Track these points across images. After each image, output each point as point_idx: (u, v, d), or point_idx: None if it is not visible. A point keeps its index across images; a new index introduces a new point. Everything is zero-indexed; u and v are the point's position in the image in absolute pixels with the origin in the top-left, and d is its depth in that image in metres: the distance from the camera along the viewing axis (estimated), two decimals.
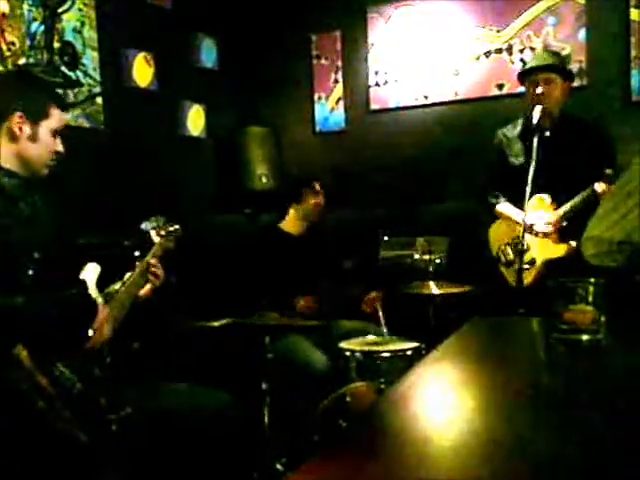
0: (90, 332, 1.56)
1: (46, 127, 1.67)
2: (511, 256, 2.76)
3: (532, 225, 2.62)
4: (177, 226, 2.00)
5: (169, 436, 1.66)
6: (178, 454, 1.65)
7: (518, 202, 2.59)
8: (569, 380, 1.25)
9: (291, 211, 3.04)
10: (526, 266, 2.55)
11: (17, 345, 1.40)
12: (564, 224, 2.61)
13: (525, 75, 2.77)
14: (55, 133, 1.70)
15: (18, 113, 1.61)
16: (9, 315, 1.43)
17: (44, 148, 1.67)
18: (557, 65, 2.73)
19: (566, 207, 2.60)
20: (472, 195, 3.08)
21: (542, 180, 2.47)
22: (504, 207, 2.82)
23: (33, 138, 1.64)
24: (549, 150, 2.54)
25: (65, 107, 1.82)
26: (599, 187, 2.47)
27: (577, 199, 2.56)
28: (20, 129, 1.62)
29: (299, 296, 2.79)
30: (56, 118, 1.69)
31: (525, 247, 2.46)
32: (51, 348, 1.49)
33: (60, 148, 1.72)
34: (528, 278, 2.56)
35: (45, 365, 1.46)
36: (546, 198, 2.65)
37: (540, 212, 2.65)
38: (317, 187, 3.03)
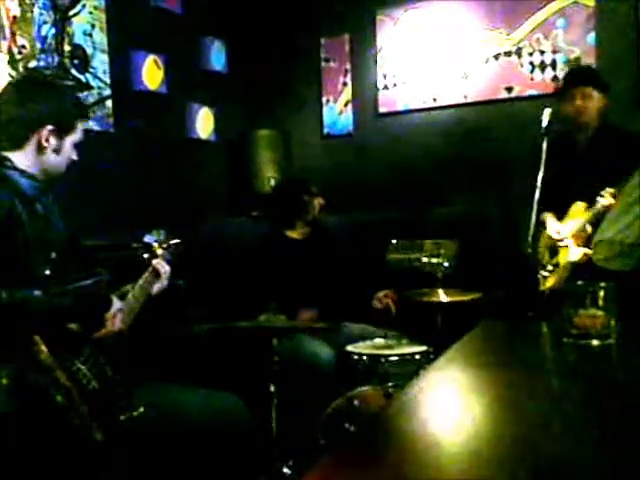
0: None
1: (70, 140, 1.71)
2: (546, 259, 2.83)
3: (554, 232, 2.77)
4: (178, 240, 2.05)
5: (176, 437, 1.66)
6: (185, 455, 1.65)
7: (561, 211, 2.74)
8: (579, 384, 1.25)
9: (298, 222, 3.03)
10: (550, 268, 2.72)
11: (35, 337, 1.42)
12: (589, 231, 2.65)
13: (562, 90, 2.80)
14: (76, 145, 1.74)
15: (49, 127, 1.65)
16: (26, 306, 1.47)
17: (65, 159, 1.72)
18: (594, 79, 2.77)
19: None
20: (481, 198, 3.08)
21: (583, 189, 2.56)
22: (546, 216, 2.90)
23: (57, 150, 1.68)
24: (587, 160, 2.63)
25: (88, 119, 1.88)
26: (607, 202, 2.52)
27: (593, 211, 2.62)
28: (47, 141, 1.66)
29: (302, 308, 2.78)
30: (79, 132, 1.74)
31: (557, 251, 2.63)
32: (67, 340, 1.52)
33: (75, 157, 1.76)
34: (552, 280, 2.69)
35: (63, 361, 1.48)
36: (583, 206, 2.69)
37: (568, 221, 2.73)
38: (314, 189, 3.04)
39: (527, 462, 0.86)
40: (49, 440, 1.42)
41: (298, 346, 2.60)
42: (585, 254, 2.64)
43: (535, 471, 0.83)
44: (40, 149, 1.65)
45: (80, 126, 1.74)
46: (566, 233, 2.72)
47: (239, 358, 2.68)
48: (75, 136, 1.72)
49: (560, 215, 2.78)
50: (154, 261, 1.90)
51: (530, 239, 2.46)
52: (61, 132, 1.68)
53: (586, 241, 2.68)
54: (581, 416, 1.06)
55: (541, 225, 2.92)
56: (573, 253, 2.67)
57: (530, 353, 1.56)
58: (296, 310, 2.76)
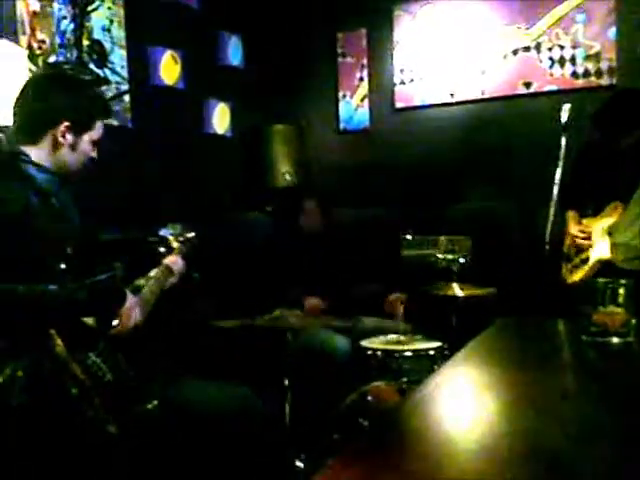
0: (115, 322, 1.61)
1: (88, 138, 1.70)
2: (572, 253, 2.82)
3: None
4: (193, 234, 2.06)
5: (189, 430, 1.67)
6: (198, 448, 1.66)
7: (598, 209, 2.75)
8: (596, 383, 1.23)
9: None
10: (577, 262, 2.72)
11: (51, 330, 1.44)
12: None
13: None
14: (94, 143, 1.73)
15: (66, 123, 1.64)
16: (42, 300, 1.47)
17: (81, 156, 1.71)
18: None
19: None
20: (498, 194, 3.05)
21: (622, 189, 2.57)
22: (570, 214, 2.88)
23: (73, 147, 1.67)
24: (630, 162, 2.62)
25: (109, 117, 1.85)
26: None
27: None
28: (64, 137, 1.65)
29: (307, 296, 2.80)
30: (98, 130, 1.73)
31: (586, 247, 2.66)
32: (82, 335, 1.53)
33: (94, 155, 1.75)
34: (579, 274, 2.68)
35: (78, 354, 1.49)
36: (621, 205, 2.67)
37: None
38: (309, 203, 3.09)
39: (542, 461, 0.85)
40: (64, 432, 1.43)
41: (314, 337, 2.62)
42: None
43: (551, 469, 0.82)
44: (56, 145, 1.64)
45: (100, 124, 1.72)
46: (598, 231, 2.69)
47: (253, 351, 2.69)
48: (93, 133, 1.71)
49: (594, 213, 2.75)
50: (167, 259, 1.91)
51: (548, 235, 2.44)
52: (78, 128, 1.66)
53: None
54: (599, 415, 1.05)
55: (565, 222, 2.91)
56: (605, 249, 2.65)
57: (547, 351, 1.54)
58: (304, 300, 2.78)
